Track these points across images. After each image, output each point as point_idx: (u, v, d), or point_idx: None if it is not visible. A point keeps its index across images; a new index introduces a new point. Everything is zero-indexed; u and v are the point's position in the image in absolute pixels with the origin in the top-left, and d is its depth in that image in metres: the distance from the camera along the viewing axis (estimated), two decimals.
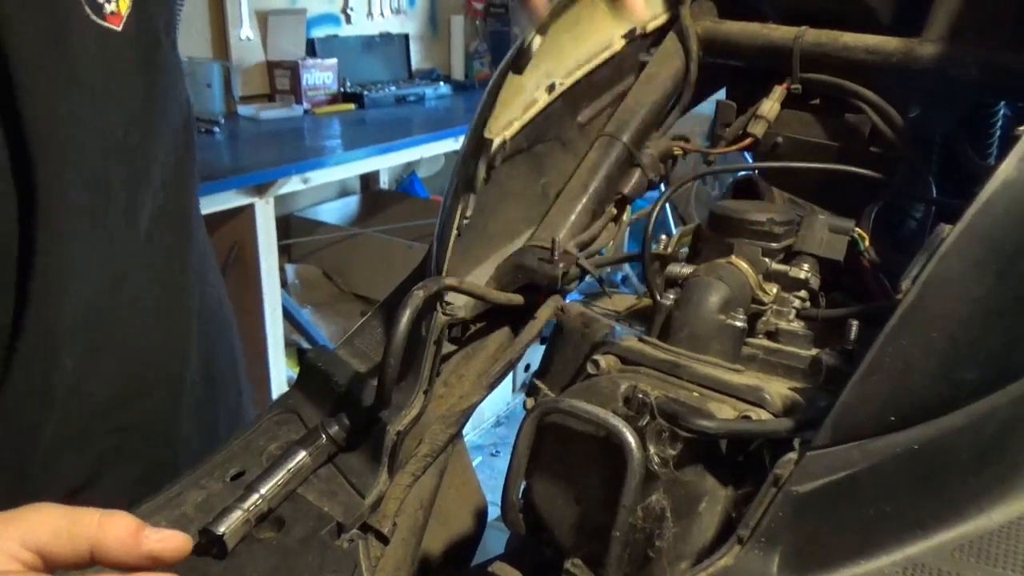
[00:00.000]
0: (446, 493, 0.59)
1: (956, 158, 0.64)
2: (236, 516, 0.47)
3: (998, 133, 0.67)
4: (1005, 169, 0.39)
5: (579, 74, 0.70)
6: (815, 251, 0.58)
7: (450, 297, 0.58)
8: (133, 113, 0.51)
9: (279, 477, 0.49)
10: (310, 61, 2.58)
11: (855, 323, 0.50)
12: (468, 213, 0.61)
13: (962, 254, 0.39)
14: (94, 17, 0.46)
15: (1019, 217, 0.39)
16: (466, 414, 0.58)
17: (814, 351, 0.52)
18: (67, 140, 0.47)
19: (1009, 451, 0.42)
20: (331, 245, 2.69)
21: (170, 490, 0.51)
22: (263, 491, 0.48)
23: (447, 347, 0.60)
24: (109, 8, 0.47)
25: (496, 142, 0.63)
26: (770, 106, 0.67)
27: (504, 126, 0.64)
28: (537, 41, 0.64)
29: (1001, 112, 0.66)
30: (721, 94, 0.75)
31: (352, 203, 2.98)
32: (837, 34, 0.64)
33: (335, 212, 2.88)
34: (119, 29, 0.48)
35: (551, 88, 0.68)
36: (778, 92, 0.67)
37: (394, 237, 2.59)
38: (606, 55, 0.71)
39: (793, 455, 0.41)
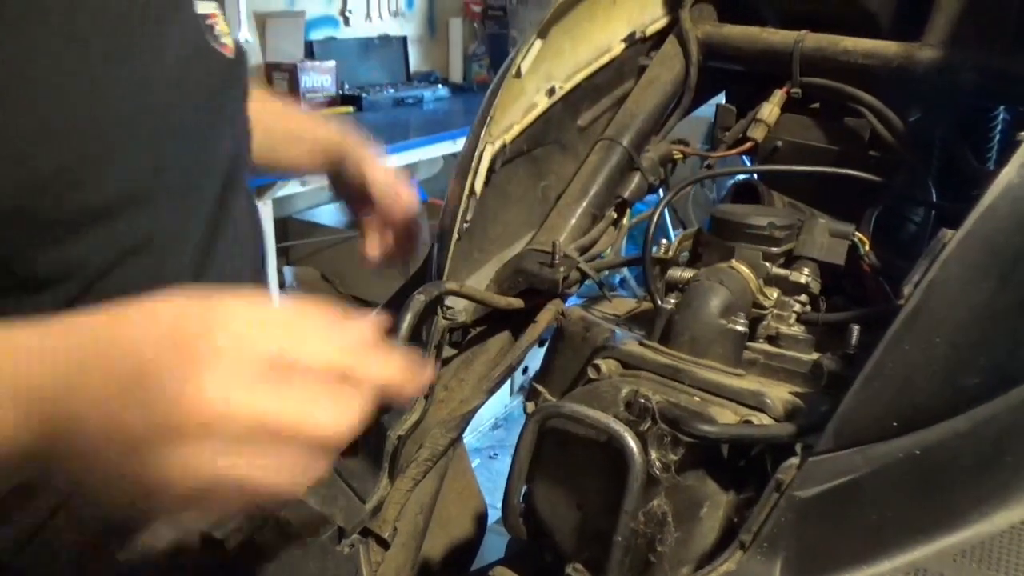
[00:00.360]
0: (446, 497, 0.59)
1: (955, 162, 0.64)
2: (237, 521, 0.47)
3: (997, 137, 0.67)
4: (1007, 174, 0.39)
5: (579, 78, 0.70)
6: (815, 255, 0.58)
7: (450, 301, 0.58)
8: (234, 122, 0.65)
9: None
10: (308, 63, 2.57)
11: (856, 327, 0.50)
12: (468, 217, 0.61)
13: (964, 259, 0.39)
14: (215, 45, 0.61)
15: (1020, 222, 0.39)
16: (466, 418, 0.58)
17: (815, 355, 0.52)
18: (200, 146, 0.60)
19: (1010, 456, 0.42)
20: (329, 247, 2.68)
21: None
22: None
23: (447, 351, 0.59)
24: (223, 40, 0.62)
25: (496, 146, 0.63)
26: (770, 110, 0.67)
27: (504, 129, 0.64)
28: (537, 45, 0.64)
29: (1000, 116, 0.66)
30: (721, 97, 0.75)
31: None
32: (837, 39, 0.64)
33: (333, 214, 2.87)
34: (231, 57, 0.62)
35: (551, 92, 0.68)
36: (778, 96, 0.67)
37: None
38: (606, 59, 0.71)
39: (795, 460, 0.41)
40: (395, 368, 0.38)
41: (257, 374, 0.35)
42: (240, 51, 0.65)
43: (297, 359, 0.36)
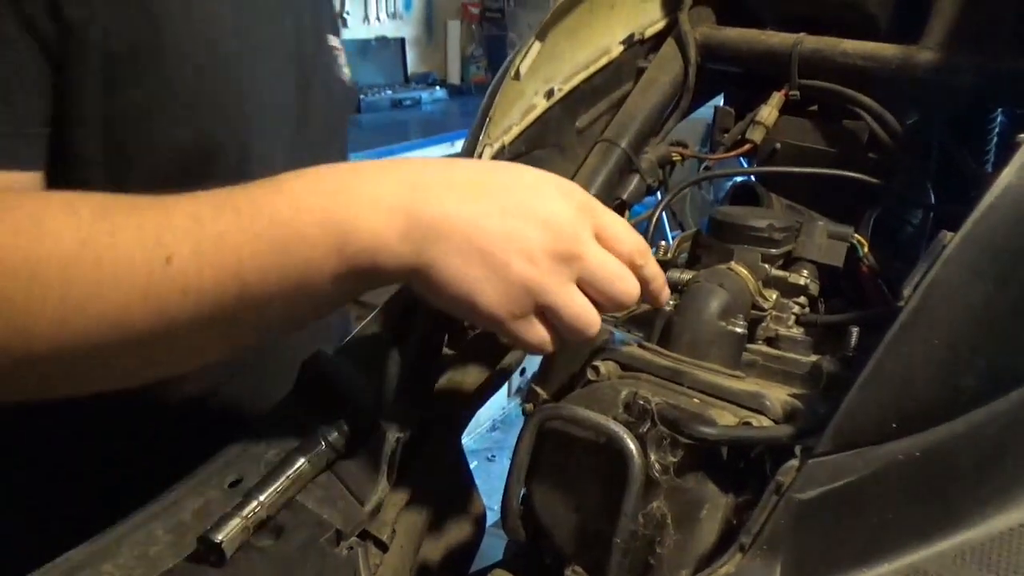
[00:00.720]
0: (444, 499, 0.59)
1: (954, 164, 0.64)
2: (234, 523, 0.46)
3: (995, 139, 0.67)
4: (1006, 176, 0.39)
5: (578, 80, 0.70)
6: (814, 257, 0.58)
7: None
8: (344, 136, 0.78)
9: (278, 484, 0.49)
10: None
11: (855, 329, 0.50)
12: None
13: (963, 261, 0.39)
14: (338, 74, 0.73)
15: (1020, 224, 0.39)
16: (465, 420, 0.58)
17: (814, 357, 0.52)
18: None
19: (1010, 458, 0.42)
20: None
21: (167, 497, 0.51)
22: (262, 498, 0.48)
23: (446, 352, 0.59)
24: (344, 69, 0.74)
25: (495, 147, 0.63)
26: (768, 112, 0.67)
27: (503, 132, 0.64)
28: (536, 47, 0.64)
29: (999, 118, 0.66)
30: (719, 99, 0.75)
31: None
32: (835, 41, 0.64)
33: None
34: (348, 84, 0.76)
35: (550, 94, 0.68)
36: (776, 98, 0.67)
37: None
38: (604, 61, 0.72)
39: (795, 462, 0.41)
40: (661, 275, 0.48)
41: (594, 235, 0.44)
42: (352, 80, 0.78)
43: (614, 236, 0.44)
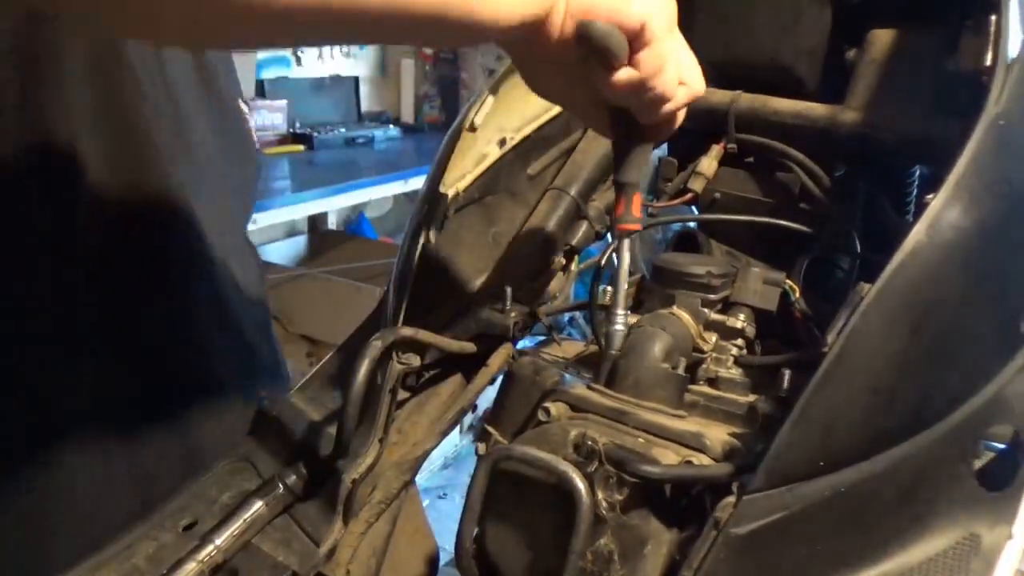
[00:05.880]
0: (398, 540, 0.60)
1: (876, 215, 0.69)
2: (189, 568, 0.47)
3: (915, 192, 0.72)
4: (916, 234, 0.43)
5: (529, 129, 0.73)
6: (750, 302, 0.61)
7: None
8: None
9: (234, 527, 0.50)
10: (260, 102, 2.58)
11: (787, 372, 0.53)
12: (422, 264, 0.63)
13: (880, 311, 0.42)
14: None
15: (928, 278, 0.43)
16: (419, 461, 0.59)
17: (751, 397, 0.55)
18: None
19: (925, 492, 0.45)
20: (277, 285, 2.65)
21: (121, 541, 0.51)
22: (218, 542, 0.48)
23: (402, 394, 0.61)
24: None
25: (450, 194, 0.65)
26: (708, 163, 0.71)
27: (457, 178, 0.67)
28: (490, 101, 0.67)
29: (917, 173, 0.72)
30: (663, 150, 0.79)
31: (300, 243, 2.95)
32: (768, 99, 0.69)
33: (282, 252, 2.85)
34: None
35: (502, 142, 0.71)
36: (715, 151, 0.71)
37: (341, 278, 2.58)
38: (554, 112, 0.75)
39: (731, 499, 0.44)
40: None
41: None
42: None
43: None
